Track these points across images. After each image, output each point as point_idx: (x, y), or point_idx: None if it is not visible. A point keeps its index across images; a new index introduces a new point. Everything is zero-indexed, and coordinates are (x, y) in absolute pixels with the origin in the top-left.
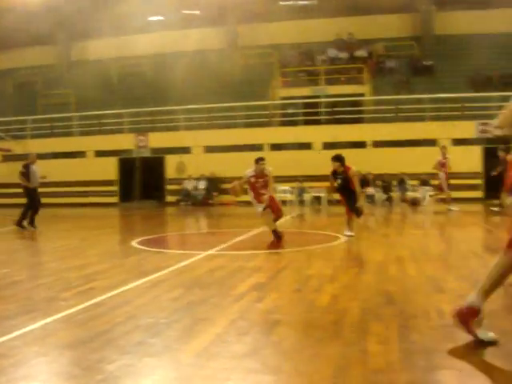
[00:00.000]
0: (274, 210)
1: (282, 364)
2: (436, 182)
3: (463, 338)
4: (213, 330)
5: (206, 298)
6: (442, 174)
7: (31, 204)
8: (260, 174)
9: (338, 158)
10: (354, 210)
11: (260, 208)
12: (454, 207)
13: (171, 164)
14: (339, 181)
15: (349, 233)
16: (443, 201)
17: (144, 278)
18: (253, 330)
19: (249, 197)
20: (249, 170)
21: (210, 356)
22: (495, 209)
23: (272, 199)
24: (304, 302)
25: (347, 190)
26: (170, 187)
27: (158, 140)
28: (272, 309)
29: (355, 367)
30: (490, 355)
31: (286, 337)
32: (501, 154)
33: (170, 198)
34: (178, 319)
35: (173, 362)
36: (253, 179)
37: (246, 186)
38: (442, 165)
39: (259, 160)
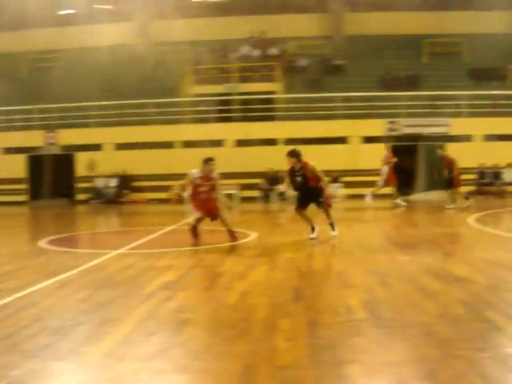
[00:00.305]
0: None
1: (191, 363)
2: (347, 179)
3: (370, 332)
4: (121, 330)
5: (115, 298)
6: (384, 169)
7: None
8: (207, 177)
9: (294, 154)
10: (301, 211)
11: (196, 215)
12: (370, 200)
13: (82, 161)
14: (298, 178)
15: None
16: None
17: (52, 279)
18: (161, 330)
19: (185, 196)
20: (195, 171)
21: (117, 357)
22: (450, 206)
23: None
24: (213, 299)
25: (306, 188)
26: (80, 185)
27: (67, 137)
28: (181, 307)
29: (263, 364)
30: (397, 348)
31: (195, 336)
32: (439, 152)
33: (80, 196)
34: (85, 321)
35: (79, 365)
36: (198, 181)
37: (186, 192)
38: (388, 160)
39: (208, 160)
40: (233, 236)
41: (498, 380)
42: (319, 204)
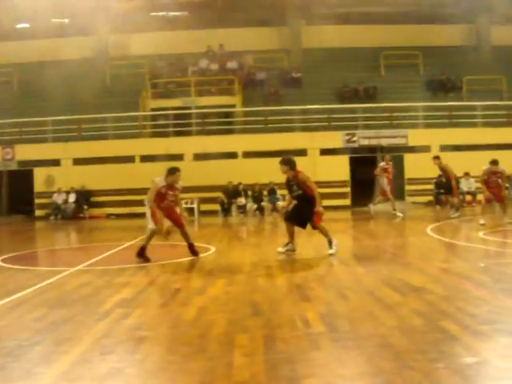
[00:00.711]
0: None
1: (147, 383)
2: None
3: (327, 345)
4: (76, 350)
5: (71, 317)
6: (383, 180)
7: None
8: (172, 187)
9: (284, 161)
10: (289, 224)
11: (151, 226)
12: (399, 215)
13: (40, 177)
14: (295, 187)
15: (293, 247)
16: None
17: (7, 298)
18: (117, 348)
19: (146, 208)
20: (159, 179)
21: (72, 378)
22: (455, 215)
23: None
24: (170, 316)
25: (305, 198)
26: (39, 201)
27: (25, 152)
28: (138, 325)
29: (220, 381)
30: (353, 362)
31: (151, 354)
32: (436, 162)
33: (39, 212)
34: (40, 340)
35: None
36: (163, 190)
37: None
38: (384, 170)
39: (175, 170)
40: (193, 251)
41: None
42: (313, 226)
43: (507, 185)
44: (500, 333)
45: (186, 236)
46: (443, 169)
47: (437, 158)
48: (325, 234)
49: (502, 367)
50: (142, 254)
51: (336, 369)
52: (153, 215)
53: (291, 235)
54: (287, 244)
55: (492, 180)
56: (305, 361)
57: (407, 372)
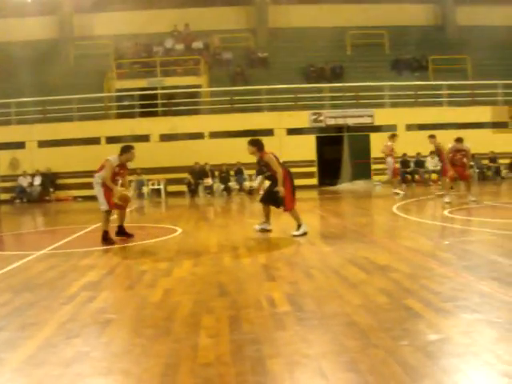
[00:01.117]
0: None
1: (112, 366)
2: None
3: (292, 325)
4: (41, 334)
5: (36, 301)
6: (389, 159)
7: None
8: (124, 166)
9: (251, 142)
10: (264, 204)
11: (104, 207)
12: (401, 191)
13: (4, 160)
14: (264, 169)
15: (268, 226)
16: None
17: None
18: (83, 332)
19: (96, 189)
20: (113, 157)
21: (37, 363)
22: (439, 193)
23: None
24: (136, 298)
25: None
26: (3, 184)
27: None
28: (104, 308)
29: (184, 363)
30: (318, 341)
31: (117, 337)
32: (431, 141)
33: (4, 196)
34: (4, 326)
35: None
36: (116, 169)
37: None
38: (390, 150)
39: (130, 148)
40: (123, 232)
41: (416, 366)
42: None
43: (471, 163)
44: (462, 310)
45: (122, 217)
46: (438, 148)
47: (433, 137)
48: (296, 218)
49: (464, 343)
50: (106, 238)
51: (301, 348)
52: (107, 197)
53: (267, 216)
54: (263, 223)
55: (457, 158)
56: (270, 341)
57: (372, 350)
